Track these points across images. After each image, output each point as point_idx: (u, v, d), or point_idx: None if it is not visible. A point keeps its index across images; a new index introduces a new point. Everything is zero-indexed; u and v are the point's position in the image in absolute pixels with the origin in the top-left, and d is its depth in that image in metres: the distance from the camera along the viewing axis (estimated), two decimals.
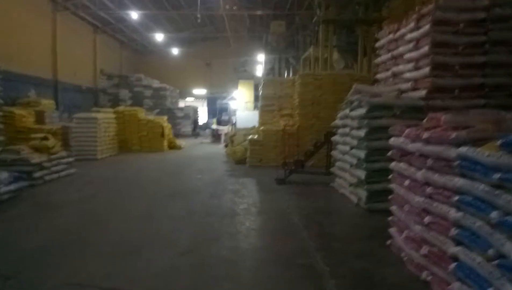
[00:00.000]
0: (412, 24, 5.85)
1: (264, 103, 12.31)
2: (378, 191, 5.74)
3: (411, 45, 5.95)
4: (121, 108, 16.32)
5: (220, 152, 15.68)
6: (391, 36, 6.75)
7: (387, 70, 7.04)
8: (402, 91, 6.20)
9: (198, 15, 19.12)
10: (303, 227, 4.89)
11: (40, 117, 14.13)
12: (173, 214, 5.56)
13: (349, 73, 11.67)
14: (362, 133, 5.87)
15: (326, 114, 10.86)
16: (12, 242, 4.41)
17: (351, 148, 6.49)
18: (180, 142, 17.61)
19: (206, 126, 28.68)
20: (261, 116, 12.47)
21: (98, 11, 20.60)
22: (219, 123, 25.64)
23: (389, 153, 4.29)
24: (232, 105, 26.28)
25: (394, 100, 5.77)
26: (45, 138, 8.57)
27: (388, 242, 4.07)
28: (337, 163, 7.32)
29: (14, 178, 6.72)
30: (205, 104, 34.32)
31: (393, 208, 4.13)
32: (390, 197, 4.26)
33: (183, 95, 31.55)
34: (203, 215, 5.54)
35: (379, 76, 7.46)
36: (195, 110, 27.61)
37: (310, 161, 8.57)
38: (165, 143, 16.08)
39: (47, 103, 15.63)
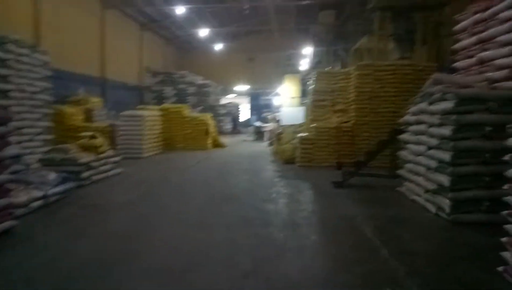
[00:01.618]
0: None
1: (316, 98, 11.49)
2: (466, 200, 4.88)
3: (506, 26, 4.98)
4: (166, 105, 16.17)
5: (264, 151, 15.09)
6: (477, 16, 5.77)
7: (470, 56, 6.06)
8: (493, 81, 5.24)
9: (247, 6, 18.52)
10: (380, 243, 4.13)
11: (89, 115, 14.27)
12: (227, 222, 5.00)
13: (412, 63, 10.56)
14: (446, 131, 4.98)
15: (386, 109, 9.97)
16: (59, 252, 4.03)
17: (429, 148, 5.59)
18: (224, 140, 17.20)
19: (248, 123, 28.23)
20: (312, 112, 11.67)
21: (145, 8, 20.65)
22: (261, 120, 25.10)
23: (508, 157, 3.40)
24: (276, 101, 25.61)
25: (490, 91, 4.82)
26: (93, 137, 8.36)
27: (500, 268, 3.24)
28: (407, 165, 6.42)
29: (63, 179, 6.50)
30: (247, 100, 33.87)
31: (510, 226, 3.27)
32: (506, 212, 3.36)
33: (224, 92, 31.32)
34: (260, 224, 4.93)
35: (458, 64, 6.47)
36: (236, 107, 27.22)
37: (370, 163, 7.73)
38: (209, 141, 15.74)
39: (96, 101, 15.81)
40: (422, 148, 5.79)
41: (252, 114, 28.11)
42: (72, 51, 15.92)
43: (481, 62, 5.68)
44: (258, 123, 22.33)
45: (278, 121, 18.77)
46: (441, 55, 13.82)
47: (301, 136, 10.44)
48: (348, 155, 9.78)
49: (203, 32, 25.45)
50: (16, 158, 6.38)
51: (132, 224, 5.04)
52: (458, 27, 6.58)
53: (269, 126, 20.24)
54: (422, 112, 5.92)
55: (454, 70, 6.85)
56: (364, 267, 3.53)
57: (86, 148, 8.16)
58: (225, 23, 27.46)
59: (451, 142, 4.93)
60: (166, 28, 25.87)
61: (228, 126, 24.28)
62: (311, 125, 10.69)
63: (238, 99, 32.53)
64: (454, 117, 4.88)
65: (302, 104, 19.02)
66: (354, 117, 10.19)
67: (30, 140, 8.63)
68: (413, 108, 6.30)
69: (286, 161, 10.92)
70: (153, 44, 26.31)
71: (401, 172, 6.75)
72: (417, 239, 4.31)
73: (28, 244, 4.26)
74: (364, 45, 15.80)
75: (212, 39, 28.96)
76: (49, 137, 9.35)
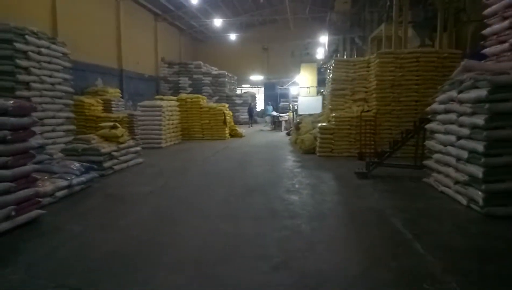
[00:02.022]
0: None
1: (335, 87, 11.26)
2: (500, 192, 4.69)
3: None
4: (183, 95, 16.15)
5: (283, 140, 14.97)
6: None
7: (502, 42, 5.80)
8: None
9: None
10: (413, 236, 4.00)
11: (107, 106, 14.36)
12: (253, 214, 4.93)
13: (436, 50, 10.22)
14: (479, 120, 4.77)
15: (408, 98, 9.72)
16: (86, 243, 4.03)
17: (459, 138, 5.39)
18: (241, 129, 17.13)
19: (263, 113, 28.04)
20: (331, 101, 11.46)
21: None
22: (277, 109, 24.89)
23: None
24: (292, 90, 25.32)
25: None
26: (114, 127, 8.37)
27: None
28: (435, 156, 6.22)
29: (86, 169, 6.54)
30: (262, 90, 33.63)
31: None
32: None
33: (239, 82, 31.15)
34: (287, 216, 4.85)
35: (489, 50, 6.20)
36: (253, 97, 27.06)
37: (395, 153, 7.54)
38: (227, 131, 15.70)
39: (113, 92, 15.92)
40: (451, 138, 5.59)
41: (267, 103, 27.86)
42: (88, 43, 15.99)
43: None
44: (275, 113, 22.17)
45: (295, 110, 18.57)
46: (462, 42, 13.41)
47: (321, 126, 10.26)
48: (370, 145, 9.61)
49: (217, 22, 25.29)
50: (40, 148, 6.46)
51: (157, 216, 5.03)
52: (487, 11, 6.28)
53: (286, 115, 20.07)
54: (451, 100, 5.71)
55: (482, 57, 6.58)
56: (399, 262, 3.41)
57: (107, 138, 8.20)
58: (239, 13, 27.21)
59: (484, 131, 4.72)
60: (180, 18, 25.77)
61: (244, 116, 24.14)
62: (331, 115, 10.49)
63: (253, 89, 32.33)
64: (487, 105, 4.67)
65: (319, 93, 18.76)
66: (375, 106, 9.95)
67: (52, 131, 8.70)
68: (441, 97, 6.08)
69: (306, 151, 10.79)
70: (168, 34, 26.25)
71: (428, 162, 6.56)
72: (451, 233, 4.16)
73: (55, 234, 4.28)
74: (382, 33, 15.40)
75: (226, 29, 28.78)
76: (70, 127, 9.41)
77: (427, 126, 6.64)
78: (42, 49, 8.42)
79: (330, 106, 11.53)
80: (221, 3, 24.96)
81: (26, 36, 7.97)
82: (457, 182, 5.41)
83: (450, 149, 5.61)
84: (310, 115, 14.12)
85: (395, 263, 3.38)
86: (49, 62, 8.67)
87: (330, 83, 12.03)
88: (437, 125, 6.22)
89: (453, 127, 5.55)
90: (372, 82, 10.34)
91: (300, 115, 16.17)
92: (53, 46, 8.84)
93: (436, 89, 9.02)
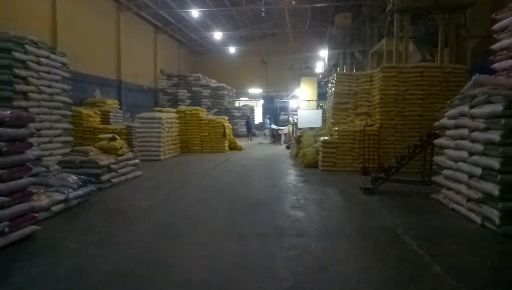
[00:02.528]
0: None
1: (337, 101, 11.15)
2: None
3: None
4: (182, 107, 15.99)
5: (283, 154, 14.78)
6: None
7: None
8: None
9: (263, 8, 18.35)
10: (430, 257, 3.79)
11: (105, 117, 14.16)
12: (259, 232, 4.70)
13: (440, 64, 10.16)
14: (494, 135, 4.62)
15: (412, 113, 9.60)
16: (84, 261, 3.78)
17: (471, 154, 5.23)
18: (239, 142, 16.95)
19: (262, 126, 27.94)
20: (334, 114, 11.33)
21: (160, 11, 20.58)
22: (277, 123, 24.77)
23: None
24: (292, 104, 25.26)
25: None
26: (113, 139, 8.16)
27: None
28: (445, 172, 6.05)
29: (83, 182, 6.31)
30: (260, 103, 33.59)
31: None
32: None
33: (238, 95, 31.13)
34: (294, 234, 4.63)
35: (498, 65, 6.09)
36: (251, 110, 26.98)
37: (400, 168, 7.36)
38: (226, 144, 15.52)
39: (111, 103, 15.74)
40: (463, 153, 5.43)
41: (266, 117, 27.79)
42: (88, 53, 15.88)
43: None
44: (274, 126, 22.04)
45: (295, 124, 18.45)
46: (462, 57, 13.43)
47: (324, 140, 10.10)
48: (373, 159, 9.45)
49: (217, 35, 25.35)
50: (37, 160, 6.23)
51: (158, 232, 4.79)
52: (496, 26, 6.20)
53: (286, 128, 19.93)
54: (462, 115, 5.57)
55: (484, 71, 6.46)
56: (419, 286, 3.20)
57: (105, 150, 7.98)
58: (239, 26, 27.33)
59: (500, 147, 4.57)
60: (180, 31, 25.83)
61: (243, 128, 24.00)
62: (334, 128, 10.34)
63: (252, 102, 32.31)
64: (503, 121, 4.53)
65: (319, 106, 18.67)
66: (379, 121, 9.82)
67: (49, 142, 8.48)
68: (451, 111, 5.94)
69: (308, 165, 10.60)
70: (167, 47, 26.27)
71: (436, 178, 6.39)
72: (469, 254, 3.95)
73: (51, 252, 4.04)
74: (382, 47, 15.42)
75: (225, 42, 28.88)
76: (68, 139, 9.20)
77: (436, 141, 6.49)
78: (41, 59, 8.26)
79: (332, 120, 11.39)
80: (221, 16, 25.06)
81: (26, 45, 7.82)
82: (469, 199, 5.23)
83: (462, 165, 5.45)
84: (312, 128, 13.97)
85: (416, 287, 3.17)
86: (48, 72, 8.49)
87: (331, 96, 11.93)
88: (446, 140, 6.07)
89: (465, 143, 5.39)
90: (376, 96, 10.24)
91: (301, 129, 16.04)
92: (53, 56, 8.69)
93: (440, 104, 8.97)
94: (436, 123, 6.47)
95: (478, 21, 13.22)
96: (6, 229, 4.03)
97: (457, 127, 5.70)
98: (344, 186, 7.73)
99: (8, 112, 4.31)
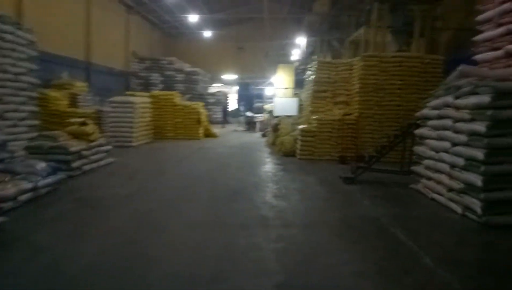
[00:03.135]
0: None
1: (316, 89, 11.07)
2: (499, 201, 4.58)
3: None
4: (156, 92, 15.45)
5: (258, 142, 14.65)
6: (506, 6, 5.44)
7: (496, 49, 5.74)
8: None
9: None
10: (418, 248, 3.77)
11: (74, 100, 13.46)
12: (243, 222, 4.55)
13: (419, 55, 10.24)
14: (480, 127, 4.64)
15: (391, 103, 9.66)
16: (59, 255, 3.49)
17: (454, 144, 5.27)
18: (214, 129, 16.66)
19: (237, 113, 27.63)
20: (312, 103, 11.26)
21: None
22: (252, 110, 24.55)
23: None
24: (267, 91, 25.07)
25: None
26: (84, 123, 7.71)
27: None
28: (425, 162, 6.09)
29: (53, 169, 5.90)
30: (235, 90, 33.17)
31: None
32: None
33: (212, 80, 30.57)
34: (279, 225, 4.51)
35: (480, 56, 6.14)
36: (226, 96, 26.58)
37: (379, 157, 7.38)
38: (201, 131, 15.18)
39: (80, 86, 14.96)
40: (445, 144, 5.46)
41: (240, 104, 27.50)
42: (55, 32, 14.94)
43: (510, 54, 5.36)
44: (249, 113, 21.81)
45: (271, 111, 18.29)
46: (436, 48, 13.67)
47: (303, 128, 10.02)
48: (351, 148, 9.48)
49: (192, 18, 24.60)
50: (1, 145, 5.77)
51: (136, 222, 4.54)
52: (481, 17, 6.22)
53: (261, 116, 19.77)
54: (445, 106, 5.59)
55: (460, 63, 6.48)
56: (412, 278, 3.16)
57: (76, 135, 7.53)
58: (215, 10, 26.64)
59: (485, 139, 4.60)
60: (153, 12, 24.86)
61: (219, 115, 23.63)
62: (313, 117, 10.27)
63: (227, 88, 31.83)
64: (490, 112, 4.55)
65: (295, 94, 18.58)
66: (357, 110, 9.83)
67: (14, 126, 7.93)
68: (434, 102, 5.95)
69: (286, 153, 10.51)
70: (140, 28, 25.27)
71: (416, 168, 6.44)
72: (456, 245, 3.98)
73: (22, 245, 3.72)
74: (360, 36, 15.44)
75: (201, 26, 28.10)
76: (34, 122, 8.63)
77: (417, 131, 6.52)
78: (6, 35, 7.63)
79: (310, 108, 11.32)
80: None
81: None
82: (450, 189, 5.28)
83: (444, 155, 5.48)
84: (288, 117, 13.88)
85: (409, 279, 3.13)
86: (13, 50, 7.87)
87: (310, 84, 11.84)
88: (428, 130, 6.10)
89: (448, 133, 5.42)
90: (355, 85, 10.23)
91: (277, 117, 15.91)
92: (19, 32, 8.05)
93: (419, 94, 9.06)
94: (418, 113, 6.49)
95: (454, 13, 13.46)
96: None
97: (440, 117, 5.72)
98: (323, 175, 7.69)
99: None
